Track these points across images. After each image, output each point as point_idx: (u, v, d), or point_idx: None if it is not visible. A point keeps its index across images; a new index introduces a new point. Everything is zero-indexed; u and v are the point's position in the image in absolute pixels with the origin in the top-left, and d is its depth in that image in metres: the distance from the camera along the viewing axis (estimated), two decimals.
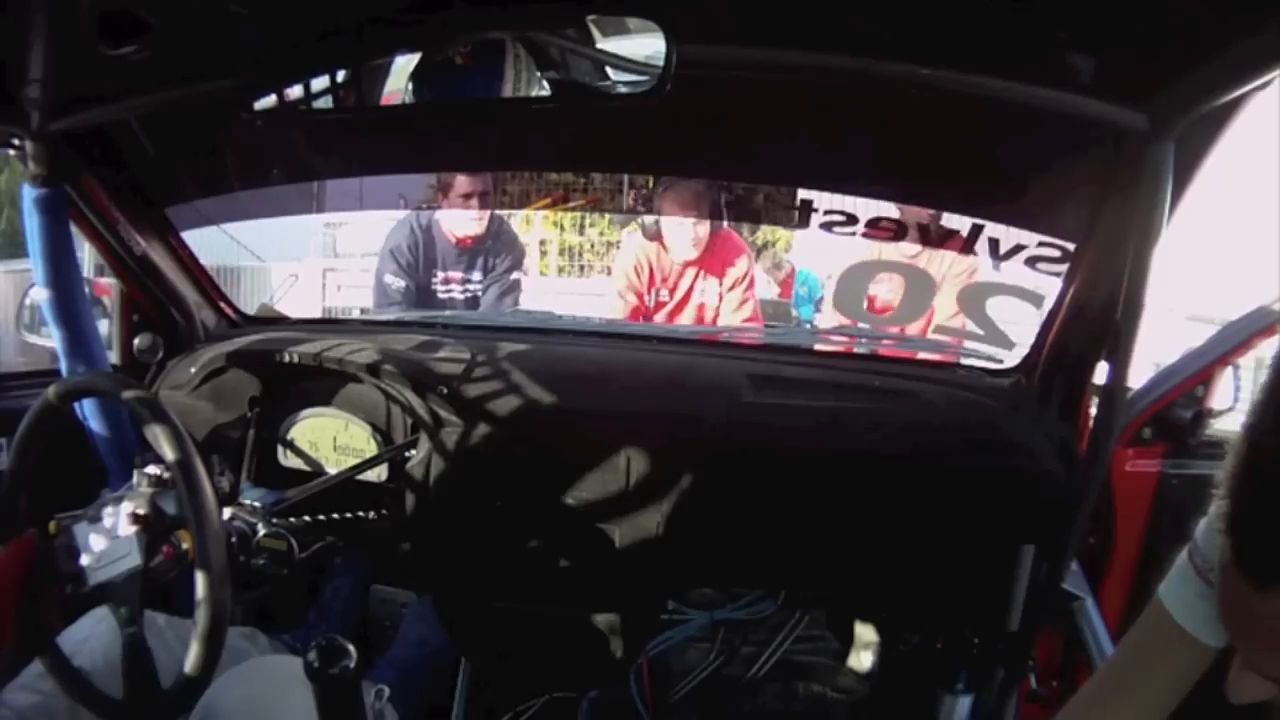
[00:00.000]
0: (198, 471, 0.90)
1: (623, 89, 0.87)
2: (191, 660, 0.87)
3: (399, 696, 1.14)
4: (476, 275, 2.50)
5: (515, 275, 2.54)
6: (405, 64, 0.93)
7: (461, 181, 2.34)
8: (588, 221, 7.11)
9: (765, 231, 7.00)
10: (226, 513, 1.12)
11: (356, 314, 3.11)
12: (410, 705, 1.23)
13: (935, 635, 1.25)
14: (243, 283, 6.44)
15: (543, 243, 7.05)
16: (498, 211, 2.60)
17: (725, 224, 2.45)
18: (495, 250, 2.50)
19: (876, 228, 1.36)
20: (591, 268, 6.99)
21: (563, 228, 7.10)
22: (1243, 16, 0.72)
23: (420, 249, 2.47)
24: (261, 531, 1.14)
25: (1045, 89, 0.88)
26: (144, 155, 1.23)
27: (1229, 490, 0.49)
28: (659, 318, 2.47)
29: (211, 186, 1.39)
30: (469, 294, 2.50)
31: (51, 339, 1.22)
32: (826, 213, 1.29)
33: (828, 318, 2.59)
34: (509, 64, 0.88)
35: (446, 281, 2.48)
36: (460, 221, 2.43)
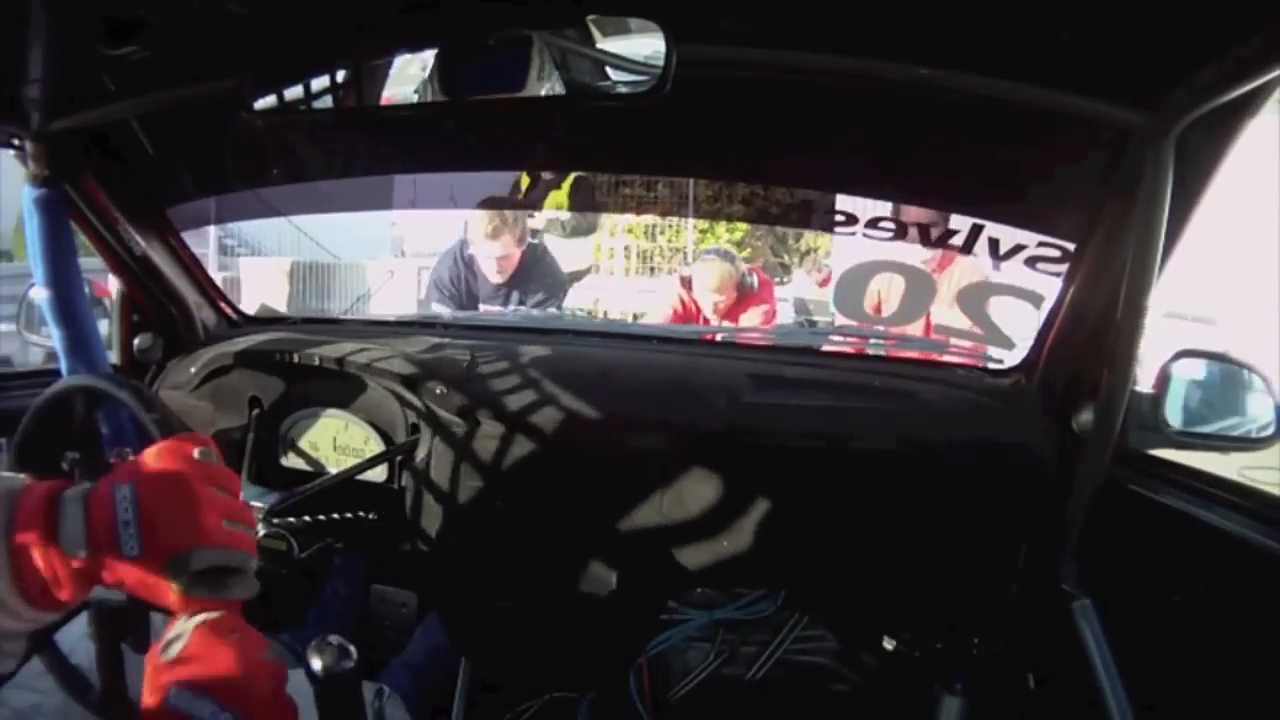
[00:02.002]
0: None
1: (623, 89, 0.87)
2: None
3: (412, 698, 1.15)
4: (513, 308, 2.57)
5: (551, 309, 2.58)
6: (405, 64, 0.93)
7: (481, 245, 2.44)
8: (657, 229, 8.38)
9: (808, 239, 7.97)
10: None
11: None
12: (423, 707, 1.23)
13: (935, 635, 1.25)
14: (336, 279, 6.56)
15: (626, 248, 8.30)
16: (533, 242, 2.69)
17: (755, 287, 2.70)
18: (529, 288, 2.56)
19: (876, 228, 1.36)
20: (659, 269, 8.23)
21: (642, 234, 8.35)
22: (1243, 16, 0.72)
23: (463, 283, 2.58)
24: (261, 532, 1.14)
25: (1045, 89, 0.88)
26: (144, 155, 1.23)
27: None
28: None
29: (211, 186, 1.40)
30: None
31: (51, 339, 1.22)
32: (827, 212, 1.29)
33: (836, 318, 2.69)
34: None
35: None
36: (488, 266, 2.51)
